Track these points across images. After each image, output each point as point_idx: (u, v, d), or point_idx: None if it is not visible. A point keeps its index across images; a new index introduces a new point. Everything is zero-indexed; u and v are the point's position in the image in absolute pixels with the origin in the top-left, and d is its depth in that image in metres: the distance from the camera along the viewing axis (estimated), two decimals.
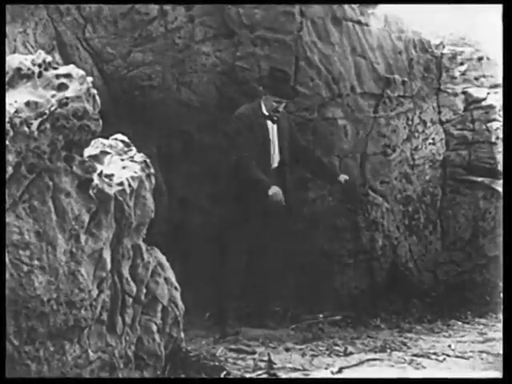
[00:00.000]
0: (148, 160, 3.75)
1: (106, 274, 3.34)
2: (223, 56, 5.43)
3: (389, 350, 4.62)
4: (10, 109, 2.96)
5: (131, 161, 3.68)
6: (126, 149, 3.77)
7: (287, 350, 4.62)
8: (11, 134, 2.92)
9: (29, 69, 3.15)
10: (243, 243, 5.10)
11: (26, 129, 2.96)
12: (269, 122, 5.15)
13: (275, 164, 5.21)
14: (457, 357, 4.47)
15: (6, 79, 3.10)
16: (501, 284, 5.59)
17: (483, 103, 6.23)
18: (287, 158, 5.26)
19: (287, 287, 5.53)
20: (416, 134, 6.12)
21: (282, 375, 4.00)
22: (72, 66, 3.31)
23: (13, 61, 3.17)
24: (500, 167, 5.98)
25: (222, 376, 3.85)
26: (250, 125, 5.08)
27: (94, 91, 3.28)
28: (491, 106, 6.20)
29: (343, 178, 5.33)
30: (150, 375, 3.58)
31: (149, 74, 5.28)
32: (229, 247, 5.15)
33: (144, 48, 5.25)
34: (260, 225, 5.10)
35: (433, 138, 6.19)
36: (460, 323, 5.57)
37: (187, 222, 5.57)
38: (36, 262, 3.01)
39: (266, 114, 5.13)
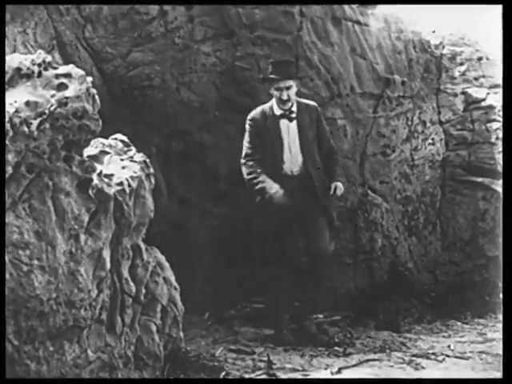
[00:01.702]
0: (148, 160, 3.76)
1: (105, 274, 3.34)
2: (223, 56, 5.44)
3: (388, 351, 4.62)
4: (9, 108, 2.96)
5: (131, 161, 3.69)
6: (125, 149, 3.77)
7: (286, 350, 4.62)
8: (11, 133, 2.92)
9: (28, 68, 3.15)
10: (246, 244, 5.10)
11: (25, 128, 2.96)
12: (283, 122, 4.75)
13: (297, 168, 4.75)
14: (456, 357, 4.46)
15: (6, 79, 3.10)
16: (500, 284, 5.59)
17: (483, 103, 6.24)
18: (312, 159, 4.77)
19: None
20: (415, 135, 6.12)
21: (282, 375, 4.00)
22: (72, 65, 3.31)
23: (13, 61, 3.17)
24: (499, 168, 5.99)
25: (221, 376, 3.85)
26: (260, 128, 4.73)
27: (94, 91, 3.28)
28: (491, 107, 6.20)
29: (335, 186, 4.76)
30: (150, 375, 3.58)
31: (148, 73, 5.28)
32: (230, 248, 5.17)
33: (144, 48, 5.25)
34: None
35: (432, 139, 6.19)
36: (459, 323, 5.57)
37: (187, 222, 5.58)
38: (35, 262, 3.01)
39: (278, 113, 4.75)
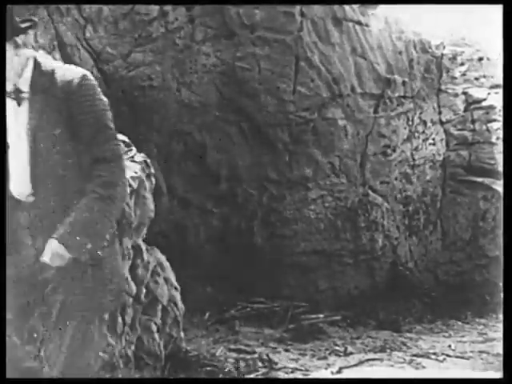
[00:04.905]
0: (148, 160, 3.76)
1: None
2: (223, 56, 5.44)
3: (389, 350, 4.62)
4: None
5: (131, 161, 3.69)
6: (126, 149, 3.77)
7: (287, 350, 4.62)
8: None
9: None
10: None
11: None
12: (11, 106, 2.35)
13: (28, 190, 2.35)
14: (457, 357, 4.47)
15: None
16: (501, 284, 5.59)
17: (483, 103, 6.24)
18: (47, 176, 2.33)
19: (287, 287, 5.54)
20: (416, 135, 6.12)
21: (282, 375, 4.00)
22: (72, 66, 3.30)
23: None
24: (500, 168, 5.98)
25: (221, 376, 3.85)
26: None
27: None
28: (491, 107, 6.20)
29: None
30: (150, 375, 3.58)
31: (149, 74, 5.28)
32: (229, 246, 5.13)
33: (144, 48, 5.25)
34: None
35: (433, 139, 6.19)
36: (460, 323, 5.57)
37: (187, 222, 5.58)
38: None
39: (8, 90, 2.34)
